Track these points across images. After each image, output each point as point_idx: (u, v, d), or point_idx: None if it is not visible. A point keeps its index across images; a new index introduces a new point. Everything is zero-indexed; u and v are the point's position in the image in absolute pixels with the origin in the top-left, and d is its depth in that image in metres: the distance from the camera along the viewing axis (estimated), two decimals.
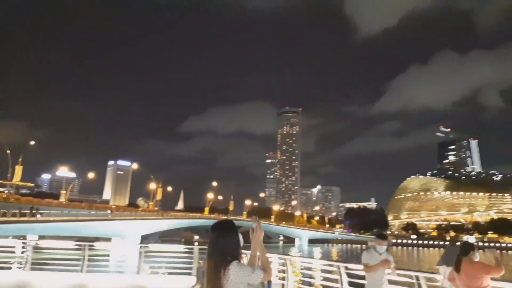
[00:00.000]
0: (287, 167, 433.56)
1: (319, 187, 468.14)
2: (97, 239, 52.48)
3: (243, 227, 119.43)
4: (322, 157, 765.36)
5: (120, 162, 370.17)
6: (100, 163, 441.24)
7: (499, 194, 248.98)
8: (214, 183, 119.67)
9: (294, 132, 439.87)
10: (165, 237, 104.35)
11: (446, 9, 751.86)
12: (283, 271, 11.19)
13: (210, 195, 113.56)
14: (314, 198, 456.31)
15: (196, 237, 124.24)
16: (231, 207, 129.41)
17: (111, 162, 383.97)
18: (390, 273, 6.94)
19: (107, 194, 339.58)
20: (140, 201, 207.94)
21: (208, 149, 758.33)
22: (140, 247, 15.26)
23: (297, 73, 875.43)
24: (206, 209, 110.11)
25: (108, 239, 58.90)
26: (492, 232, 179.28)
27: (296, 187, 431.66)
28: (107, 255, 21.64)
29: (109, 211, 66.47)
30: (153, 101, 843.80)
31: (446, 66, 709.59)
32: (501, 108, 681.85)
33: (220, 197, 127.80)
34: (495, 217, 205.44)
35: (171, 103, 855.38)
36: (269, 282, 10.81)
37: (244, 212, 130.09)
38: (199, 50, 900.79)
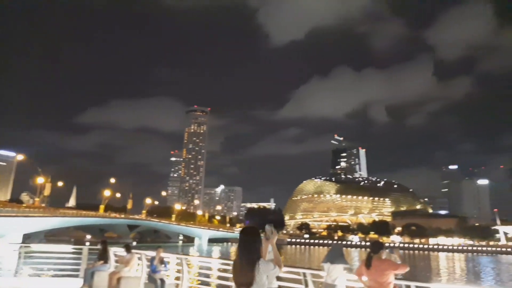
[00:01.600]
0: (192, 166, 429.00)
1: (222, 187, 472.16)
2: None
3: (142, 226, 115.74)
4: (227, 157, 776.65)
5: (2, 152, 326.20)
6: None
7: (380, 199, 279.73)
8: (112, 180, 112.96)
9: (201, 131, 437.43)
10: (51, 236, 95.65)
11: (346, 30, 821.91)
12: (179, 271, 11.15)
13: (107, 192, 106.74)
14: (217, 198, 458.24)
15: (88, 236, 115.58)
16: (129, 206, 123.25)
17: None
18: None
19: None
20: (25, 197, 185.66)
21: (107, 144, 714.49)
22: (20, 247, 13.97)
23: (207, 73, 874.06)
24: (102, 207, 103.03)
25: None
26: (373, 232, 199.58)
27: (200, 187, 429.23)
28: None
29: None
30: (47, 88, 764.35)
31: (342, 81, 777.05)
32: (386, 122, 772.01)
33: (118, 195, 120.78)
34: (377, 219, 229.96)
35: (68, 92, 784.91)
36: (163, 282, 11.15)
37: (144, 211, 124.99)
38: (103, 38, 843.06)
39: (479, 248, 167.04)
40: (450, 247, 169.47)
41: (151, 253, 11.81)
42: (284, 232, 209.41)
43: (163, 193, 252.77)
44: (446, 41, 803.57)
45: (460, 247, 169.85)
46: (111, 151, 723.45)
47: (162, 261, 11.41)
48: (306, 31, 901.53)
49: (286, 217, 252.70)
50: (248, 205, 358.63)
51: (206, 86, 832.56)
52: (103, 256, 12.28)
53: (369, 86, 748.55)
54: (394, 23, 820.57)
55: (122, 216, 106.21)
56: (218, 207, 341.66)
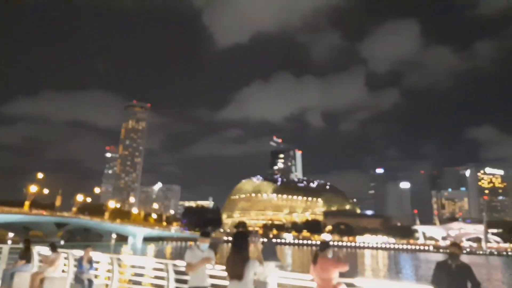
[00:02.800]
0: (128, 163, 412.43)
1: (160, 185, 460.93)
2: None
3: (71, 224, 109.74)
4: (166, 156, 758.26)
5: None
6: None
7: (314, 199, 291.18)
8: (40, 175, 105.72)
9: (140, 127, 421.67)
10: None
11: (287, 37, 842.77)
12: (110, 271, 10.95)
13: (34, 188, 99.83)
14: (154, 196, 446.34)
15: (11, 234, 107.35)
16: (58, 203, 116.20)
17: None
18: (212, 269, 7.35)
19: None
20: None
21: (36, 137, 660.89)
22: None
23: (150, 69, 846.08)
24: (27, 203, 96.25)
25: None
26: (306, 231, 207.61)
27: (136, 184, 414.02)
28: None
29: None
30: None
31: (282, 86, 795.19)
32: (321, 126, 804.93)
33: (46, 191, 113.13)
34: (310, 218, 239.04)
35: None
36: (90, 282, 10.95)
37: (74, 209, 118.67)
38: (37, 24, 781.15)
39: (401, 246, 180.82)
40: (375, 245, 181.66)
41: (79, 253, 11.43)
42: (222, 231, 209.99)
43: (97, 190, 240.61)
44: (377, 55, 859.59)
45: (383, 245, 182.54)
46: (40, 145, 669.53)
47: (90, 261, 11.08)
48: (250, 35, 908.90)
49: (224, 216, 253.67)
50: (186, 203, 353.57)
51: (148, 82, 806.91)
52: (25, 256, 11.86)
53: (307, 92, 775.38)
54: (332, 34, 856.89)
55: (49, 213, 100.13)
56: (155, 206, 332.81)
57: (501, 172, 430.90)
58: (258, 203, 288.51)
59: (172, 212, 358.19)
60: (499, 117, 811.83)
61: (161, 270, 9.72)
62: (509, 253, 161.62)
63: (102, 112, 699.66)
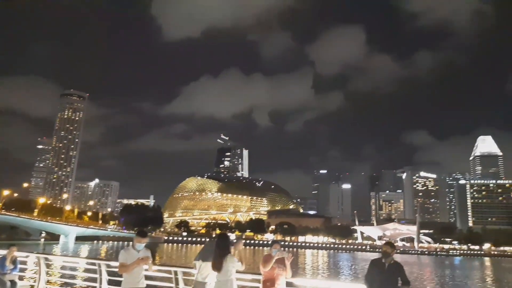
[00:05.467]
0: (62, 156, 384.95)
1: (97, 181, 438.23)
2: None
3: None
4: (105, 150, 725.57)
5: None
6: None
7: (258, 198, 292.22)
8: None
9: (76, 118, 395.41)
10: None
11: (239, 34, 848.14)
12: (37, 272, 10.54)
13: None
14: (90, 192, 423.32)
15: None
16: None
17: None
18: (147, 270, 7.12)
19: None
20: None
21: None
22: None
23: (91, 56, 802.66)
24: None
25: None
26: (249, 230, 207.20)
27: (70, 179, 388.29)
28: None
29: None
30: None
31: (232, 82, 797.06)
32: (269, 126, 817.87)
33: None
34: (254, 217, 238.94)
35: None
36: (13, 284, 10.38)
37: None
38: None
39: (340, 246, 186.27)
40: (316, 245, 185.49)
41: (2, 252, 10.90)
42: (162, 230, 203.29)
43: (25, 184, 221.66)
44: (324, 58, 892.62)
45: (324, 245, 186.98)
46: None
47: (14, 261, 10.57)
48: (202, 29, 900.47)
49: (166, 215, 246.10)
50: (125, 201, 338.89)
51: (88, 70, 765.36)
52: None
53: (256, 90, 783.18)
54: (282, 35, 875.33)
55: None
56: (91, 203, 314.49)
57: (434, 175, 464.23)
58: (202, 202, 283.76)
59: (109, 209, 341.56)
60: (433, 123, 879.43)
61: (91, 270, 9.36)
62: (439, 253, 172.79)
63: (35, 100, 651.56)
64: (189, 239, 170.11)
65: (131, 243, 7.47)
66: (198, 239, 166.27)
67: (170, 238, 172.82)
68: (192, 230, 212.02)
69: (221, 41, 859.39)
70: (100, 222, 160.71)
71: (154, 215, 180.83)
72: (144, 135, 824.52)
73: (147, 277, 7.29)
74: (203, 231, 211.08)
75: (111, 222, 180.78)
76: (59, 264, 13.14)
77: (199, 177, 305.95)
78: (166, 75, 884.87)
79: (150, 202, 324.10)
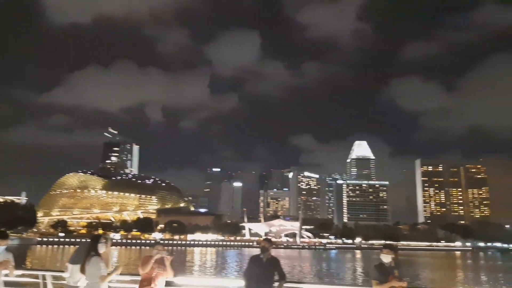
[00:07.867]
0: None
1: None
2: None
3: None
4: None
5: None
6: None
7: (148, 196, 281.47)
8: None
9: None
10: None
11: (135, 25, 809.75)
12: None
13: None
14: None
15: None
16: None
17: None
18: (8, 275, 6.55)
19: None
20: None
21: None
22: None
23: None
24: None
25: None
26: (136, 230, 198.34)
27: None
28: None
29: None
30: None
31: (123, 74, 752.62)
32: (162, 122, 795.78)
33: None
34: (142, 216, 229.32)
35: None
36: None
37: None
38: None
39: (229, 243, 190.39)
40: (205, 242, 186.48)
41: None
42: (35, 230, 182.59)
43: None
44: (221, 59, 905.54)
45: (213, 242, 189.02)
46: None
47: None
48: (93, 17, 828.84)
49: (40, 214, 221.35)
50: None
51: None
52: None
53: (150, 84, 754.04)
54: (179, 32, 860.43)
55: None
56: None
57: (316, 175, 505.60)
58: (83, 200, 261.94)
59: None
60: (317, 128, 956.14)
61: None
62: (317, 247, 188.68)
63: None
64: (67, 240, 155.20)
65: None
66: (78, 240, 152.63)
67: (45, 239, 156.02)
68: (71, 230, 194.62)
69: (114, 31, 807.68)
70: None
71: (26, 214, 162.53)
72: (17, 125, 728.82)
73: (8, 283, 6.77)
74: (83, 231, 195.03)
75: None
76: None
77: (81, 173, 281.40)
78: (47, 60, 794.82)
79: (22, 199, 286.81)
